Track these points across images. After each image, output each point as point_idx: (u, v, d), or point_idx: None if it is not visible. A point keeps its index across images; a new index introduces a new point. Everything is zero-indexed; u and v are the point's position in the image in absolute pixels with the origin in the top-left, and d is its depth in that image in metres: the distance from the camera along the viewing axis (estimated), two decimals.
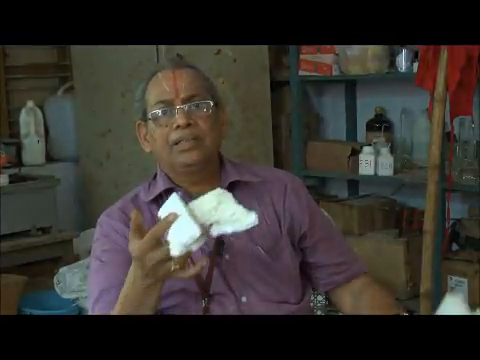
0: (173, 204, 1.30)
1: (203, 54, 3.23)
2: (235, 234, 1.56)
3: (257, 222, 1.32)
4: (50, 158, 3.99)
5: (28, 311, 3.04)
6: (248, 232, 1.57)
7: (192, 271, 1.29)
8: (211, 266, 1.54)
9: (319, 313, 1.87)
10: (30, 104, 3.84)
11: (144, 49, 3.32)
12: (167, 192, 1.59)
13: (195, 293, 1.53)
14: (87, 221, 3.80)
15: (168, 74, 1.57)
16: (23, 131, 3.84)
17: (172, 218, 1.26)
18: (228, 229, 1.32)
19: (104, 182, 3.75)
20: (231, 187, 1.59)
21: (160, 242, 1.27)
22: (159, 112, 1.55)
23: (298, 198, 1.64)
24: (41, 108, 3.92)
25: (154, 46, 3.31)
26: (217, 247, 1.56)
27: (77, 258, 3.44)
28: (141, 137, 1.65)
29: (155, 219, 1.58)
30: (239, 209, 1.32)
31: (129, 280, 1.36)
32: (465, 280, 2.99)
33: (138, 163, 3.51)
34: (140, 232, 1.29)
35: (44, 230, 3.41)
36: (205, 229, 1.28)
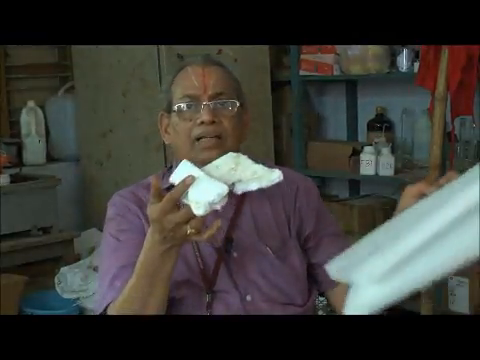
0: (186, 168, 1.32)
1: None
2: (244, 232, 1.56)
3: (282, 177, 1.33)
4: (51, 158, 3.99)
5: (29, 311, 3.04)
6: (257, 232, 1.57)
7: (208, 233, 1.30)
8: (218, 262, 1.55)
9: (321, 313, 1.86)
10: (31, 104, 3.84)
11: (145, 49, 3.32)
12: None
13: (199, 288, 1.53)
14: (88, 221, 3.80)
15: (197, 69, 1.57)
16: (24, 131, 3.84)
17: (190, 180, 1.28)
18: (253, 186, 1.33)
19: (105, 182, 3.75)
20: None
21: (177, 206, 1.29)
22: (184, 106, 1.55)
23: (308, 200, 1.65)
24: (42, 108, 3.92)
25: (155, 46, 3.31)
26: (226, 244, 1.56)
27: (78, 258, 3.44)
28: (162, 128, 1.64)
29: None
30: (260, 168, 1.34)
31: (146, 247, 1.37)
32: (466, 280, 2.99)
33: (139, 163, 3.52)
34: (159, 197, 1.31)
35: (45, 230, 3.41)
36: (228, 188, 1.30)
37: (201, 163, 1.54)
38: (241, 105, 1.60)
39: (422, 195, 1.26)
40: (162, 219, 1.29)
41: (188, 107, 1.55)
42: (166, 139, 1.64)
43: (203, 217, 1.28)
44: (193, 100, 1.55)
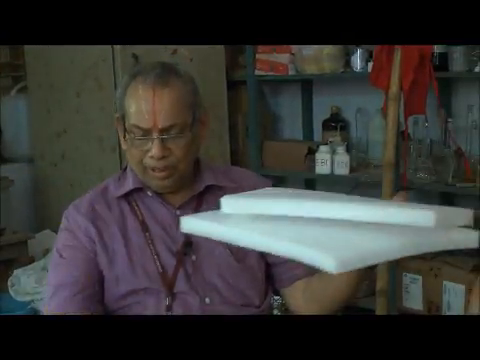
0: None
1: (159, 54, 3.22)
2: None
3: None
4: (3, 159, 3.93)
5: None
6: None
7: None
8: (177, 265, 1.55)
9: (276, 313, 1.87)
10: None
11: (99, 49, 3.29)
12: (137, 190, 1.61)
13: (158, 291, 1.53)
14: (42, 222, 3.76)
15: (148, 92, 1.50)
16: None
17: None
18: None
19: (59, 183, 3.71)
20: (205, 190, 1.61)
21: None
22: (134, 137, 1.53)
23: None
24: None
25: (109, 46, 3.28)
26: (184, 247, 1.56)
27: (32, 260, 3.40)
28: (120, 134, 1.60)
29: (124, 214, 1.58)
30: None
31: None
32: (420, 277, 3.03)
33: (93, 164, 3.49)
34: None
35: None
36: None
37: (154, 186, 1.57)
38: (197, 120, 1.57)
39: None
40: None
41: (138, 139, 1.52)
42: (122, 144, 1.61)
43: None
44: (144, 133, 1.51)
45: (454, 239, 1.04)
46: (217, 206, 1.59)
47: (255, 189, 1.64)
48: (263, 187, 1.67)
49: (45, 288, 3.00)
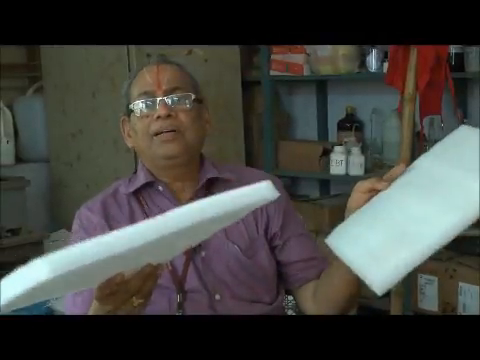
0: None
1: (174, 54, 3.23)
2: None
3: None
4: (20, 159, 3.95)
5: None
6: (225, 231, 1.58)
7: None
8: (187, 262, 1.55)
9: (290, 313, 1.87)
10: None
11: (114, 49, 3.30)
12: (148, 185, 1.61)
13: (168, 289, 1.53)
14: (57, 222, 3.77)
15: (152, 68, 1.59)
16: None
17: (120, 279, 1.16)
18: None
19: (74, 183, 3.73)
20: (209, 184, 1.61)
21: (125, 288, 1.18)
22: (141, 103, 1.57)
23: (276, 198, 1.65)
24: (10, 108, 3.88)
25: (125, 46, 3.29)
26: None
27: None
28: (125, 133, 1.66)
29: (134, 212, 1.59)
30: None
31: (94, 306, 1.30)
32: (435, 278, 3.02)
33: (108, 164, 3.50)
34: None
35: (14, 231, 3.37)
36: None
37: (162, 158, 1.56)
38: (198, 100, 1.61)
39: (373, 190, 1.30)
40: (103, 299, 1.20)
41: (144, 104, 1.57)
42: (129, 143, 1.65)
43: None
44: (149, 96, 1.56)
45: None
46: None
47: (259, 182, 1.65)
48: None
49: None
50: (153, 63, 1.60)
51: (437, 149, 1.27)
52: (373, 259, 1.15)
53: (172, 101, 1.56)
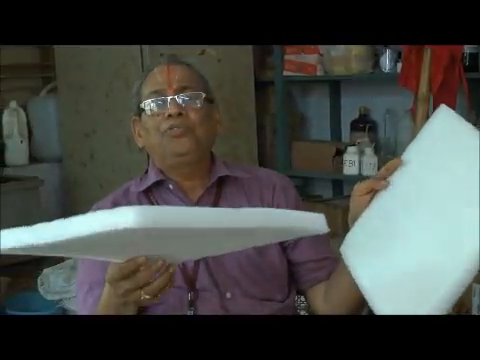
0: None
1: (187, 55, 3.23)
2: None
3: None
4: (33, 159, 3.97)
5: (11, 312, 3.02)
6: None
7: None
8: (197, 261, 1.55)
9: (303, 313, 1.86)
10: (13, 104, 3.82)
11: (128, 49, 3.31)
12: (158, 184, 1.61)
13: (179, 287, 1.53)
14: None
15: (162, 68, 1.60)
16: (6, 132, 3.82)
17: (142, 260, 1.18)
18: None
19: (88, 183, 3.74)
20: (220, 183, 1.61)
21: (133, 271, 1.20)
22: (151, 102, 1.57)
23: (286, 197, 1.66)
24: (24, 108, 3.90)
25: (138, 46, 3.30)
26: None
27: (61, 259, 3.42)
28: (135, 133, 1.67)
29: None
30: None
31: (104, 295, 1.36)
32: None
33: (122, 164, 3.51)
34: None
35: None
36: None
37: (173, 155, 1.56)
38: (210, 101, 1.62)
39: (373, 191, 1.30)
40: (112, 284, 1.24)
41: (155, 103, 1.57)
42: (139, 143, 1.66)
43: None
44: (160, 95, 1.57)
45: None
46: (235, 199, 1.60)
47: (269, 180, 1.67)
48: (281, 183, 1.68)
49: (74, 287, 3.03)
50: (163, 63, 1.61)
51: (422, 140, 1.29)
52: (387, 294, 1.17)
53: (183, 100, 1.57)
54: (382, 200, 1.29)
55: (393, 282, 1.17)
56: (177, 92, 1.57)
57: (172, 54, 1.67)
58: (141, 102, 1.60)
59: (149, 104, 1.58)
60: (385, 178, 1.31)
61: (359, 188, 1.35)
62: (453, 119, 1.20)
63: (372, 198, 1.33)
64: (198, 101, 1.58)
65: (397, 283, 1.16)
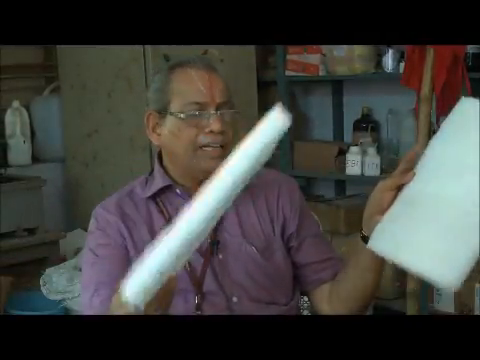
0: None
1: (189, 54, 3.23)
2: (229, 233, 1.57)
3: None
4: (36, 159, 3.97)
5: (14, 312, 3.03)
6: (242, 232, 1.58)
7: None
8: (204, 265, 1.55)
9: (306, 313, 1.87)
10: (16, 104, 3.82)
11: (130, 49, 3.31)
12: (165, 188, 1.60)
13: (186, 290, 1.53)
14: (73, 222, 3.79)
15: (202, 74, 1.55)
16: (9, 131, 3.81)
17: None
18: None
19: (90, 183, 3.74)
20: None
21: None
22: (192, 112, 1.53)
23: (291, 199, 1.65)
24: (27, 108, 3.90)
25: (141, 47, 3.30)
26: (211, 246, 1.56)
27: (63, 259, 3.43)
28: (149, 128, 1.60)
29: (152, 214, 1.58)
30: None
31: (114, 307, 1.27)
32: None
33: (124, 164, 3.51)
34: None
35: (30, 231, 3.39)
36: None
37: (203, 172, 1.51)
38: (238, 113, 1.60)
39: (399, 187, 1.30)
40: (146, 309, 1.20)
41: (196, 115, 1.53)
42: (154, 139, 1.60)
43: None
44: (202, 108, 1.53)
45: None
46: (241, 203, 1.60)
47: (275, 183, 1.65)
48: (286, 184, 1.68)
49: (76, 287, 3.04)
50: (201, 68, 1.55)
51: (445, 131, 1.32)
52: (441, 261, 1.18)
53: (224, 116, 1.54)
54: (406, 189, 1.29)
55: (434, 247, 1.19)
56: (219, 107, 1.54)
57: (205, 57, 1.61)
58: (169, 102, 1.55)
59: (189, 113, 1.53)
60: (410, 170, 1.29)
61: (386, 185, 1.33)
62: (476, 109, 1.21)
63: (396, 193, 1.31)
64: (235, 117, 1.57)
65: (439, 243, 1.19)
